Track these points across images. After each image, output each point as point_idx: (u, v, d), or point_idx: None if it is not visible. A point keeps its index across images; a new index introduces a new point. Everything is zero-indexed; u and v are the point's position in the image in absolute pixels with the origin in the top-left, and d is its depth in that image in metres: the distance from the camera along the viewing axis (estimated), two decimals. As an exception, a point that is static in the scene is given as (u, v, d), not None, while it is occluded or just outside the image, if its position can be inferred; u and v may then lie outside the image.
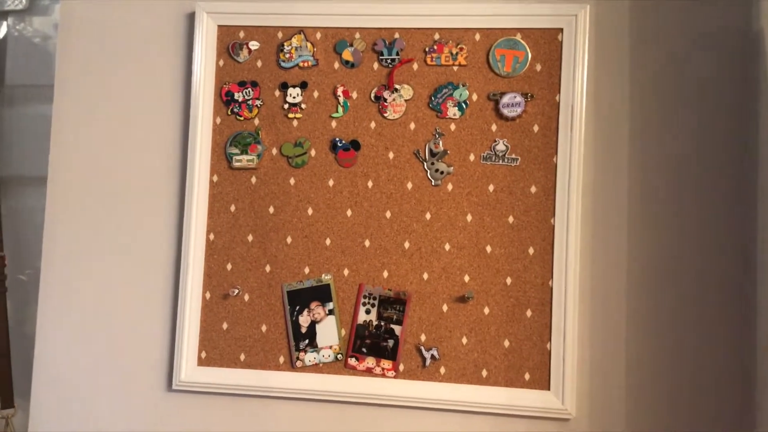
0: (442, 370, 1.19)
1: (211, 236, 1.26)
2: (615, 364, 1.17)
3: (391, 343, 1.20)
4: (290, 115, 1.25)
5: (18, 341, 1.45)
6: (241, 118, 1.26)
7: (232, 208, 1.26)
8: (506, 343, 1.18)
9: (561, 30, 1.19)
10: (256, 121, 1.26)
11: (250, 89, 1.26)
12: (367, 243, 1.22)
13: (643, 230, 1.17)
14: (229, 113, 1.26)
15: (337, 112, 1.24)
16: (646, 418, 1.16)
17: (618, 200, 1.18)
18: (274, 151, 1.25)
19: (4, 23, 1.64)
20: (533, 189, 1.19)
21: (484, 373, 1.18)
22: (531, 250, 1.18)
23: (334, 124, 1.24)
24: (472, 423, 1.18)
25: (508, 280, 1.19)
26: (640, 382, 1.16)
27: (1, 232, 1.50)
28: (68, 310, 1.30)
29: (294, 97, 1.25)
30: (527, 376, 1.17)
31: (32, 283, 1.48)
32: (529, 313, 1.18)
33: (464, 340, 1.19)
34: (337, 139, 1.23)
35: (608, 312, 1.17)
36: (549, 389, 1.16)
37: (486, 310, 1.19)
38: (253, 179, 1.26)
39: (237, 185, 1.26)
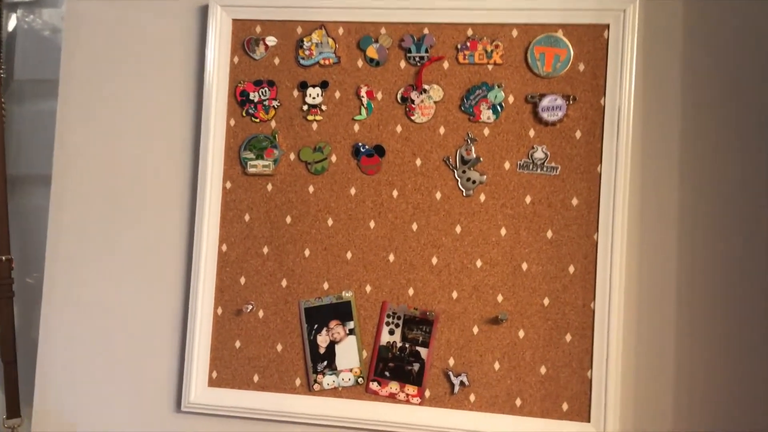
0: (472, 397, 1.10)
1: (224, 247, 1.17)
2: (662, 395, 1.06)
3: (416, 366, 1.11)
4: (309, 118, 1.15)
5: (24, 346, 1.37)
6: (257, 120, 1.17)
7: (247, 217, 1.17)
8: (543, 370, 1.08)
9: (607, 26, 1.08)
10: (273, 124, 1.17)
11: (266, 89, 1.17)
12: (391, 257, 1.13)
13: (696, 248, 1.06)
14: (244, 114, 1.17)
15: (360, 114, 1.14)
16: (697, 456, 1.05)
17: (668, 214, 1.07)
18: (292, 156, 1.16)
19: (14, 15, 1.56)
20: (575, 201, 1.08)
21: (518, 401, 1.08)
22: (571, 269, 1.08)
23: (356, 127, 1.14)
24: (504, 456, 1.09)
25: (546, 301, 1.08)
26: (690, 415, 1.05)
27: (8, 234, 1.43)
28: (70, 324, 1.23)
29: (314, 98, 1.15)
30: (565, 407, 1.07)
31: (39, 286, 1.40)
32: (568, 337, 1.08)
33: (496, 366, 1.09)
34: (360, 144, 1.14)
35: (656, 337, 1.07)
36: (589, 421, 1.06)
37: (521, 334, 1.09)
38: (269, 186, 1.16)
39: (252, 193, 1.17)
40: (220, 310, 1.17)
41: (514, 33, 1.10)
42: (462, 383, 1.09)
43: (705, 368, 1.05)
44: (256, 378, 1.16)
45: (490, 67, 1.11)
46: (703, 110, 1.07)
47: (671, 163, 1.08)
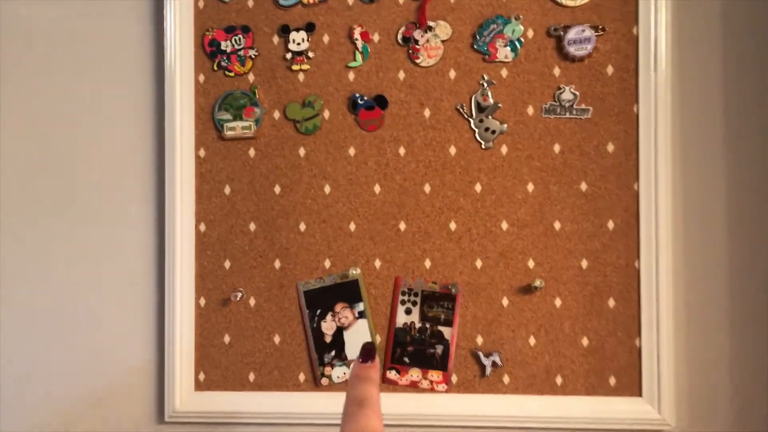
0: (506, 379, 0.95)
1: (202, 227, 0.99)
2: (720, 362, 0.94)
3: (439, 349, 0.96)
4: (295, 68, 0.97)
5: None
6: (232, 74, 0.98)
7: (227, 189, 0.99)
8: (584, 342, 0.95)
9: (636, -57, 0.93)
10: (251, 77, 0.98)
11: (240, 36, 0.98)
12: (402, 226, 0.97)
13: (749, 191, 0.94)
14: (216, 68, 0.98)
15: (355, 60, 0.97)
16: (759, 427, 0.94)
17: (716, 155, 0.94)
18: (277, 114, 0.98)
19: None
20: (610, 147, 0.94)
21: (559, 380, 0.95)
22: (611, 224, 0.94)
23: (351, 76, 0.97)
24: (546, 443, 0.95)
25: (584, 263, 0.95)
26: (751, 383, 0.94)
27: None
28: (27, 328, 1.03)
29: (298, 44, 0.97)
30: (613, 381, 0.94)
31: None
32: (611, 302, 0.94)
33: (532, 341, 0.95)
34: (357, 95, 0.97)
35: (710, 297, 0.94)
36: (641, 395, 0.93)
37: (557, 302, 0.95)
38: (252, 152, 0.98)
39: (231, 160, 0.99)
40: (202, 301, 0.99)
41: (531, -45, 0.94)
42: (494, 364, 0.95)
43: (766, 330, 0.94)
44: (252, 377, 0.99)
45: (504, -4, 0.95)
46: (748, 37, 0.94)
47: (715, 97, 0.95)
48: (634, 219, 0.94)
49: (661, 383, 0.92)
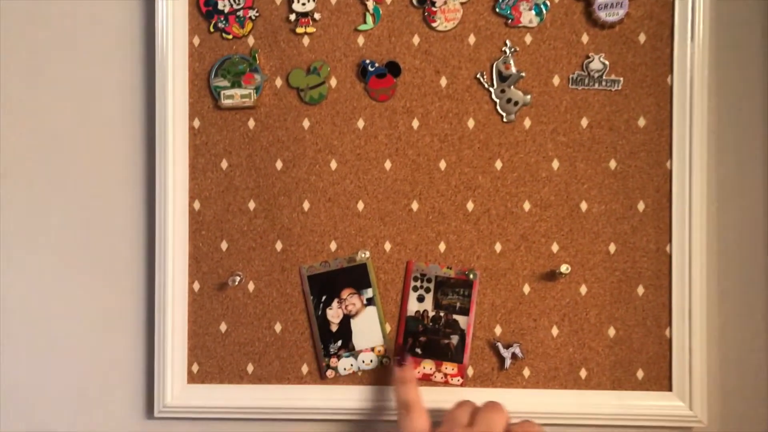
0: (527, 372, 0.88)
1: (197, 205, 0.91)
2: (757, 355, 0.88)
3: (454, 339, 0.89)
4: (299, 30, 0.89)
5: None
6: (230, 37, 0.89)
7: (224, 164, 0.90)
8: (611, 332, 0.88)
9: None
10: (251, 40, 0.89)
11: (239, -5, 0.89)
12: (414, 206, 0.89)
13: (785, 172, 0.87)
14: (212, 30, 0.89)
15: (365, 23, 0.88)
16: (796, 420, 0.88)
17: (755, 132, 0.88)
18: (279, 81, 0.89)
19: None
20: (642, 122, 0.87)
21: (583, 373, 0.88)
22: (641, 206, 0.87)
23: (361, 40, 0.89)
24: (569, 440, 0.89)
25: (612, 248, 0.87)
26: (784, 373, 0.88)
27: None
28: (6, 319, 0.94)
29: (303, 4, 0.88)
30: (641, 374, 0.87)
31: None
32: (640, 290, 0.87)
33: (555, 331, 0.88)
34: (368, 61, 0.88)
35: (746, 285, 0.88)
36: (671, 390, 0.87)
37: (583, 290, 0.88)
38: (251, 123, 0.90)
39: (229, 132, 0.90)
40: (197, 286, 0.91)
41: None
42: (514, 356, 0.88)
43: (802, 316, 0.88)
44: (250, 368, 0.91)
45: (529, -45, 0.87)
46: (792, 2, 0.87)
47: (756, 69, 0.88)
48: (666, 200, 0.87)
49: (693, 377, 0.86)
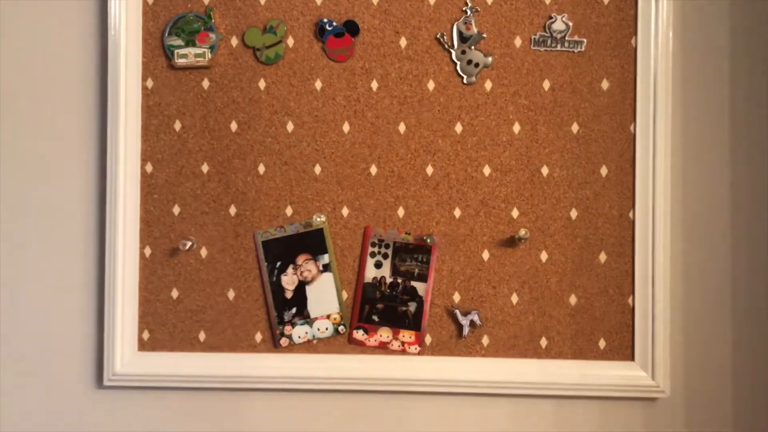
0: (486, 340, 0.86)
1: (149, 167, 0.88)
2: (719, 325, 0.86)
3: (412, 307, 0.86)
4: (255, -11, 0.87)
5: None
6: (183, -6, 0.87)
7: (177, 125, 0.88)
8: (572, 300, 0.86)
9: None
10: (206, -1, 0.87)
11: (194, -49, 0.87)
12: (373, 170, 0.87)
13: (756, 136, 0.85)
14: (165, -13, 0.87)
15: (323, -19, 0.86)
16: (760, 394, 0.86)
17: (720, 94, 0.86)
18: (235, 41, 0.87)
19: None
20: (605, 84, 0.85)
21: (544, 342, 0.86)
22: (604, 171, 0.85)
23: (319, -1, 0.87)
24: (529, 409, 0.87)
25: (573, 213, 0.85)
26: (752, 348, 0.86)
27: None
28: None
29: (259, -38, 0.86)
30: (603, 344, 0.85)
31: None
32: (602, 257, 0.85)
33: (515, 299, 0.86)
34: (325, 20, 0.86)
35: (711, 252, 0.86)
36: (633, 359, 0.85)
37: (543, 256, 0.86)
38: (206, 83, 0.87)
39: (182, 92, 0.88)
40: (148, 251, 0.88)
41: None
42: (472, 323, 0.85)
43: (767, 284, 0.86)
44: (202, 336, 0.88)
45: None
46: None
47: (720, 31, 0.86)
48: (630, 165, 0.85)
49: (656, 347, 0.84)
